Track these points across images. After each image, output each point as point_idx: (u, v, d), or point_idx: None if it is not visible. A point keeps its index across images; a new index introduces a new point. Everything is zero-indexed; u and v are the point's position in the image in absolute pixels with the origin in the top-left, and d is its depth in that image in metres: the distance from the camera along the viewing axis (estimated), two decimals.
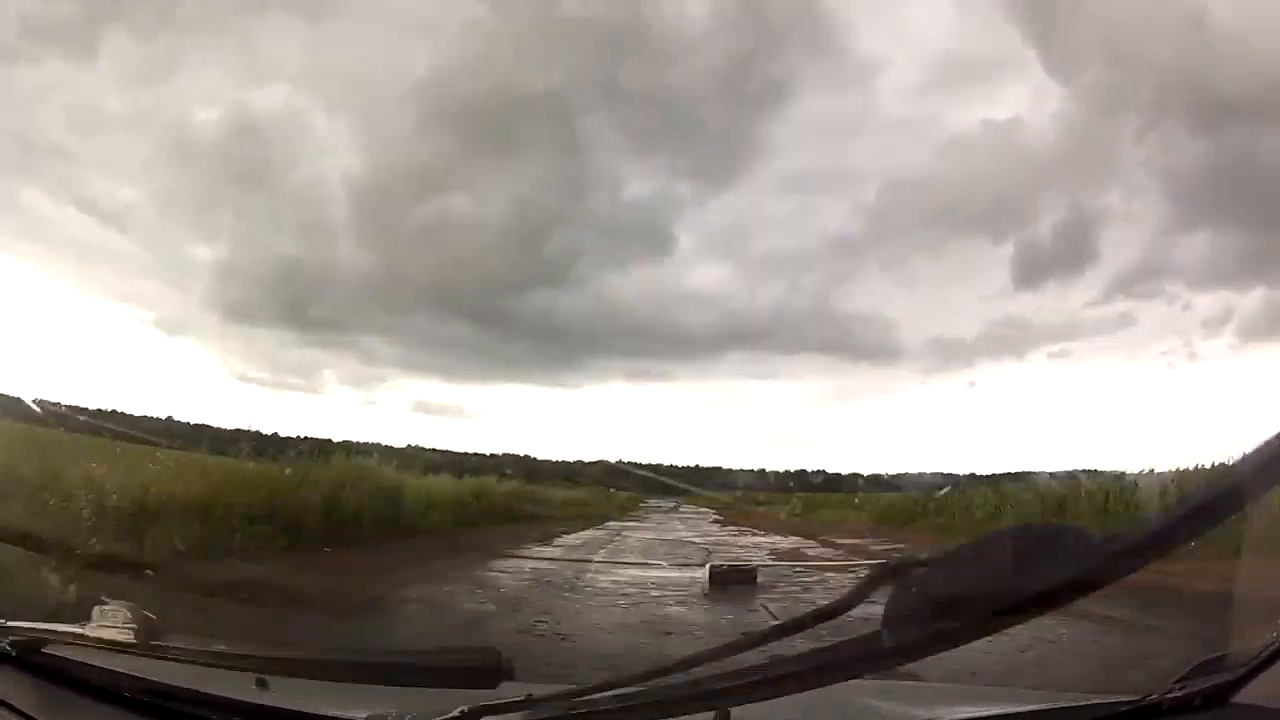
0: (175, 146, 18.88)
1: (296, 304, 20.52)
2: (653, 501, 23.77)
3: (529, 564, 11.69)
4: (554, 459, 22.66)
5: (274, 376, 23.40)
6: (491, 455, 21.07)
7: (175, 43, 18.38)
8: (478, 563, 11.36)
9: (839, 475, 21.36)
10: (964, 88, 24.54)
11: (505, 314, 22.14)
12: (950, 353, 21.44)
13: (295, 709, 1.75)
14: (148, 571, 7.34)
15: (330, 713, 1.81)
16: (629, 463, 23.73)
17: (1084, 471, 14.04)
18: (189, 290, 20.63)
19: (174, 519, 8.84)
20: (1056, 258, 19.34)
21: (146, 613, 1.84)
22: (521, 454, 22.12)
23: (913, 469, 20.10)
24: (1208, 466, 11.59)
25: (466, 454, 21.00)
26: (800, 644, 1.43)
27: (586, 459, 23.44)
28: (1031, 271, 20.73)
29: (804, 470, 22.04)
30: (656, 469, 24.03)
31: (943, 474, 18.71)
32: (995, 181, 19.49)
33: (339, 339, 22.24)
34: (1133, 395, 17.68)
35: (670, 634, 7.02)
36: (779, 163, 23.94)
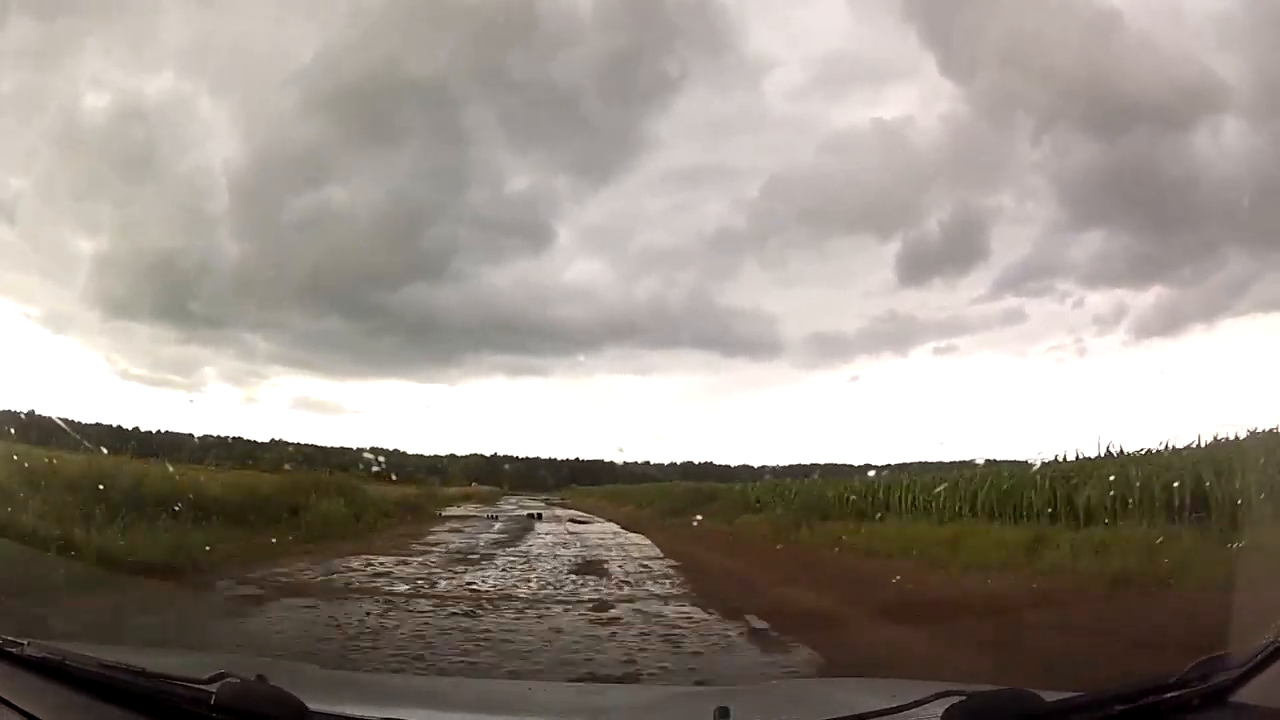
0: (60, 133, 18.27)
1: (175, 298, 19.99)
2: (512, 499, 23.71)
3: None
4: (424, 453, 22.59)
5: (154, 374, 23.09)
6: (359, 449, 20.86)
7: (62, 26, 17.88)
8: None
9: (726, 467, 21.62)
10: (856, 87, 24.49)
11: (382, 308, 21.96)
12: (831, 348, 21.63)
13: (295, 707, 1.75)
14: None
15: (330, 710, 1.81)
16: (501, 456, 23.88)
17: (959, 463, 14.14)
18: (71, 284, 20.12)
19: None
20: (944, 255, 19.46)
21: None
22: (390, 448, 21.99)
23: (793, 461, 20.47)
24: (1088, 457, 11.76)
25: (335, 449, 20.79)
26: None
27: (458, 453, 23.45)
28: (918, 268, 20.84)
29: (690, 462, 22.22)
30: (534, 463, 24.20)
31: (822, 465, 19.06)
32: (883, 180, 19.59)
33: (218, 335, 21.87)
34: (1019, 390, 17.88)
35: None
36: (662, 158, 23.99)
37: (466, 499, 22.80)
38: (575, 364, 23.76)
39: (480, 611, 7.19)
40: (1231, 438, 10.38)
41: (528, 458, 24.88)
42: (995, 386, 18.53)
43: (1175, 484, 9.16)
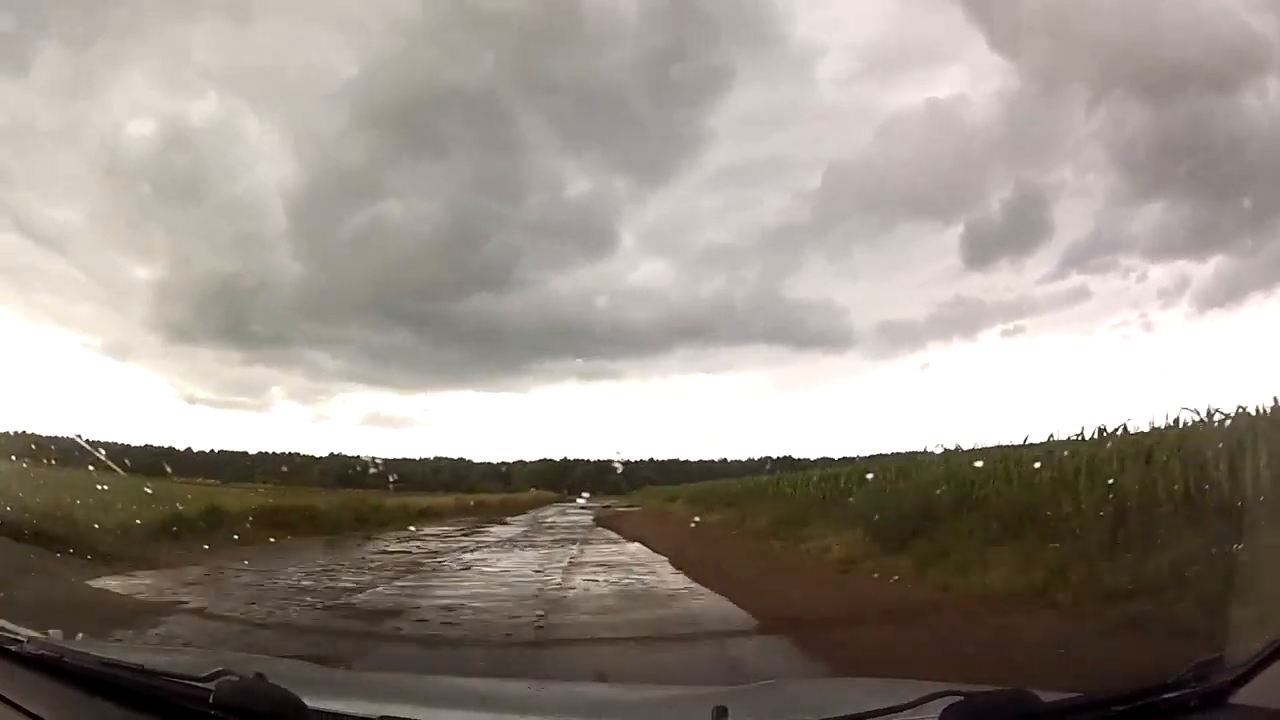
0: (109, 161, 18.49)
1: (237, 321, 20.25)
2: (559, 504, 23.57)
3: None
4: (490, 460, 22.58)
5: (221, 396, 23.26)
6: (422, 460, 20.92)
7: (105, 55, 18.04)
8: None
9: (805, 460, 21.30)
10: (905, 69, 24.30)
11: (447, 320, 22.06)
12: (901, 336, 21.37)
13: (294, 705, 1.75)
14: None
15: (329, 708, 1.81)
16: (572, 460, 23.72)
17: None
18: (130, 313, 20.30)
19: None
20: (1008, 235, 19.20)
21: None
22: (455, 456, 21.95)
23: (868, 451, 20.05)
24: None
25: (406, 460, 20.89)
26: None
27: (527, 459, 23.35)
28: (982, 250, 20.53)
29: (768, 456, 22.10)
30: (605, 465, 24.06)
31: (900, 454, 18.74)
32: (942, 162, 19.32)
33: (283, 354, 22.15)
34: (1087, 368, 17.55)
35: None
36: (718, 154, 23.86)
37: (503, 510, 21.90)
38: (647, 365, 23.71)
39: None
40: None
41: (600, 460, 25.01)
42: (1063, 366, 18.14)
43: None
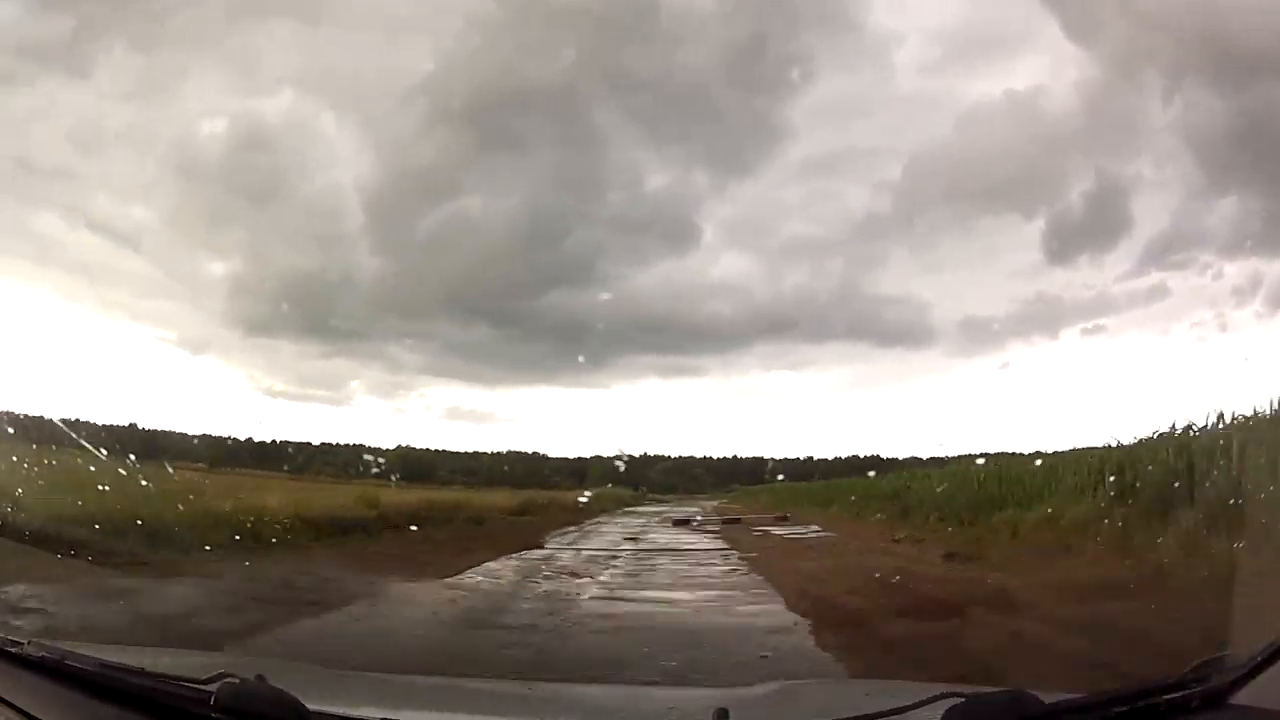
0: (183, 161, 18.44)
1: (316, 315, 20.21)
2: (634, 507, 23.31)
3: None
4: (567, 456, 22.36)
5: (299, 389, 23.18)
6: (495, 454, 20.80)
7: (174, 55, 18.00)
8: None
9: (894, 460, 20.76)
10: (983, 58, 23.83)
11: (527, 315, 21.68)
12: (982, 333, 20.95)
13: (294, 708, 1.75)
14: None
15: (330, 710, 1.81)
16: (634, 456, 23.21)
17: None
18: (208, 307, 20.40)
19: None
20: (1088, 230, 18.45)
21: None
22: (530, 451, 21.90)
23: (951, 452, 19.57)
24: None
25: (477, 454, 20.75)
26: None
27: (603, 454, 22.96)
28: (1063, 245, 19.76)
29: (855, 456, 21.43)
30: (688, 462, 23.76)
31: (978, 455, 18.40)
32: (1021, 153, 18.49)
33: (362, 348, 21.97)
34: (1165, 370, 17.28)
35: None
36: (798, 146, 23.41)
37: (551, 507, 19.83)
38: (728, 362, 23.42)
39: None
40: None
41: (681, 457, 24.11)
42: (1142, 366, 17.82)
43: None
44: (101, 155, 18.21)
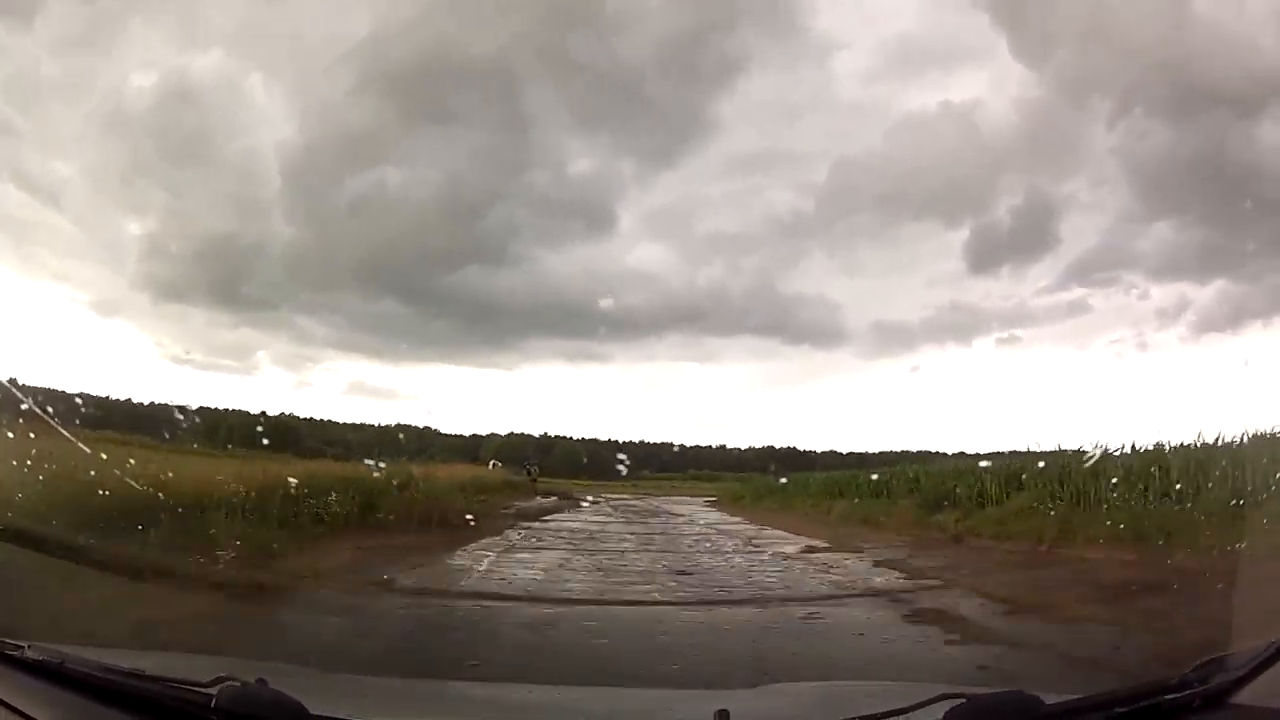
0: (110, 115, 17.74)
1: (227, 282, 19.46)
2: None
3: None
4: (460, 433, 21.63)
5: (207, 358, 22.66)
6: (383, 427, 20.02)
7: (110, 4, 17.72)
8: None
9: (811, 453, 21.31)
10: (923, 70, 23.40)
11: (439, 292, 21.09)
12: (894, 336, 21.20)
13: (295, 711, 1.75)
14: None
15: (331, 714, 1.81)
16: (554, 436, 22.72)
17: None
18: (122, 269, 19.55)
19: None
20: (1012, 243, 18.87)
21: None
22: (421, 425, 21.04)
23: (852, 449, 20.43)
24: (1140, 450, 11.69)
25: (361, 425, 20.01)
26: None
27: (500, 433, 22.41)
28: (985, 256, 20.29)
29: (770, 447, 21.86)
30: (591, 445, 22.72)
31: (881, 453, 19.28)
32: (953, 164, 18.81)
33: (270, 318, 21.22)
34: (1077, 383, 17.67)
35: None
36: (725, 142, 23.27)
37: None
38: (636, 350, 23.22)
39: None
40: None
41: (588, 440, 23.18)
42: (1055, 378, 18.17)
43: None
44: (33, 107, 17.54)
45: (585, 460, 22.60)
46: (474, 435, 22.23)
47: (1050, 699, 1.70)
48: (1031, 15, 17.24)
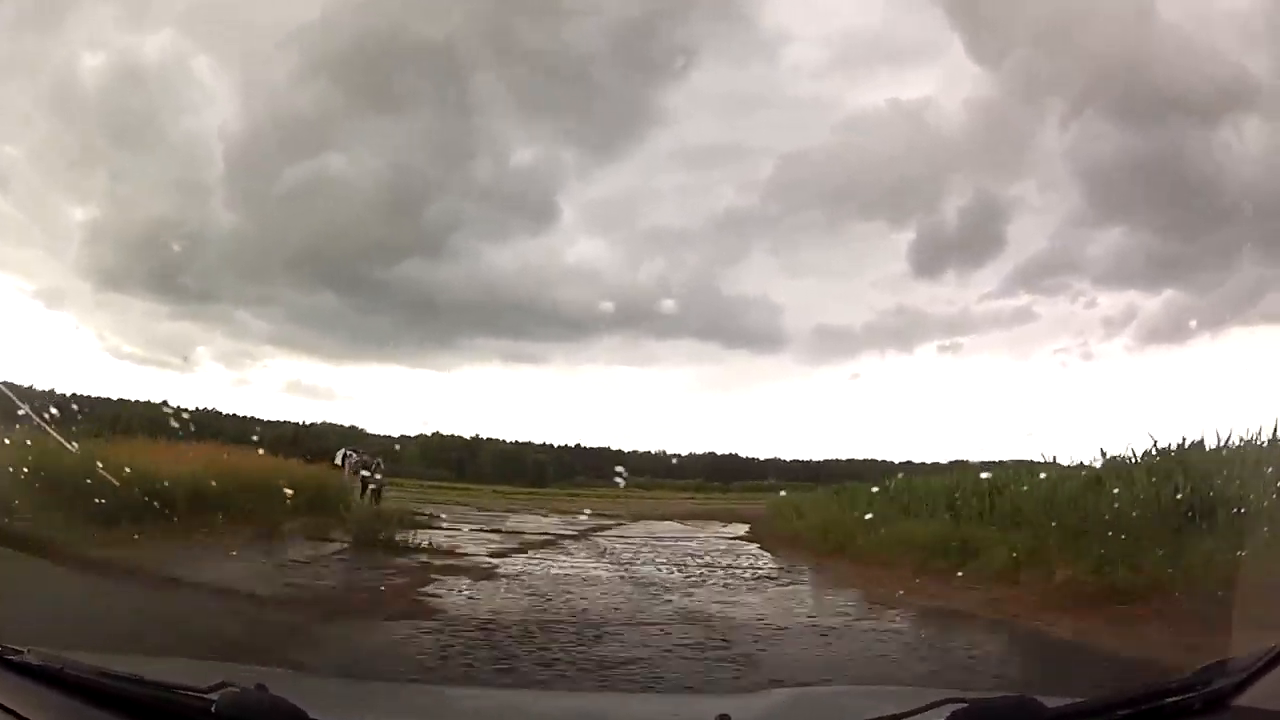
0: (58, 95, 17.84)
1: (167, 271, 19.10)
2: None
3: None
4: (389, 433, 20.96)
5: (147, 351, 22.22)
6: (309, 425, 19.61)
7: None
8: None
9: (754, 460, 20.61)
10: (874, 67, 23.06)
11: (377, 286, 20.33)
12: (835, 342, 21.08)
13: (296, 717, 1.75)
14: None
15: (330, 718, 1.81)
16: (484, 439, 21.78)
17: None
18: (64, 256, 19.31)
19: None
20: (959, 246, 18.49)
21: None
22: (347, 425, 20.67)
23: (796, 457, 19.74)
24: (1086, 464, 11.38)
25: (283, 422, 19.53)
26: None
27: (427, 432, 21.50)
28: (932, 259, 19.77)
29: (712, 453, 20.98)
30: (525, 448, 21.97)
31: (825, 461, 18.51)
32: (900, 164, 18.25)
33: (209, 311, 20.56)
34: (1020, 392, 17.73)
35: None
36: (671, 135, 22.95)
37: None
38: (574, 351, 22.85)
39: None
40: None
41: (519, 443, 21.80)
42: (998, 386, 18.19)
43: None
44: None
45: (516, 465, 21.31)
46: (402, 435, 21.57)
47: (1051, 702, 1.69)
48: (988, 14, 17.02)
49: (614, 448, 22.28)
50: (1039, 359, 18.84)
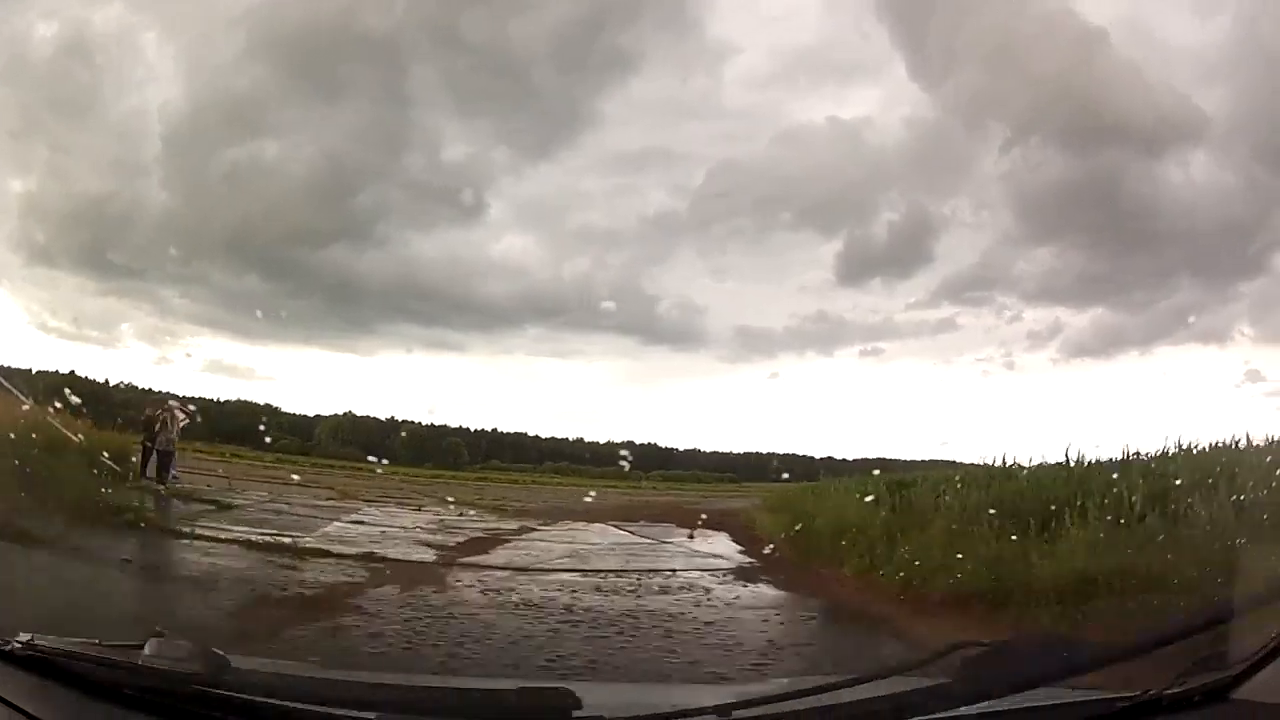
0: (4, 66, 17.17)
1: (97, 247, 18.66)
2: None
3: None
4: (304, 412, 20.12)
5: (75, 328, 22.15)
6: (224, 402, 19.31)
7: None
8: None
9: (673, 450, 21.05)
10: (815, 82, 23.11)
11: (304, 269, 20.21)
12: (755, 342, 21.42)
13: (293, 710, 1.75)
14: None
15: (324, 709, 1.80)
16: (397, 420, 21.40)
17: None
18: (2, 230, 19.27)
19: None
20: (886, 258, 18.80)
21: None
22: (261, 403, 19.51)
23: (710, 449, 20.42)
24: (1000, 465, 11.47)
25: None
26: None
27: (340, 411, 20.56)
28: (857, 269, 19.94)
29: (630, 442, 20.57)
30: (440, 430, 21.09)
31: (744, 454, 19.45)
32: (833, 177, 18.69)
33: (136, 288, 20.70)
34: (940, 399, 18.13)
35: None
36: (605, 137, 23.27)
37: None
38: (495, 341, 22.84)
39: None
40: None
41: (435, 425, 21.35)
42: (918, 392, 18.60)
43: None
44: None
45: (430, 448, 20.75)
46: (317, 415, 21.32)
47: (1051, 694, 1.70)
48: (934, 36, 17.25)
49: (531, 433, 22.47)
50: (961, 366, 19.51)
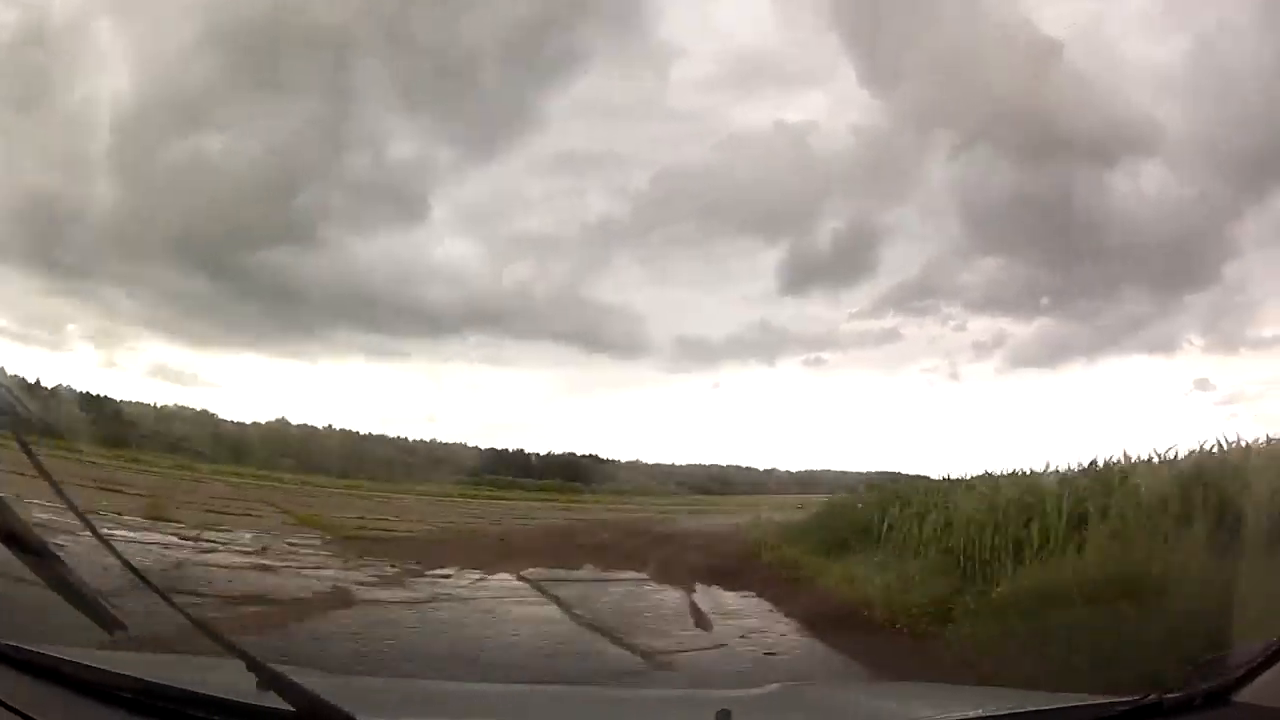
0: None
1: (45, 244, 18.53)
2: None
3: None
4: (247, 420, 20.20)
5: (21, 328, 21.67)
6: (161, 408, 18.85)
7: None
8: None
9: (614, 461, 20.38)
10: (762, 87, 22.74)
11: (246, 272, 19.67)
12: (697, 351, 21.21)
13: (292, 709, 1.74)
14: None
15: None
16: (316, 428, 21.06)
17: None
18: None
19: None
20: (830, 266, 18.73)
21: None
22: (198, 409, 18.55)
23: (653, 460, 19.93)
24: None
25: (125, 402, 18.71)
26: None
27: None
28: (801, 278, 19.94)
29: (571, 453, 20.89)
30: (376, 440, 20.70)
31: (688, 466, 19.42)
32: (777, 184, 18.56)
33: (82, 288, 19.91)
34: (884, 407, 18.21)
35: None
36: (550, 139, 22.76)
37: None
38: (437, 349, 22.54)
39: None
40: None
41: (369, 434, 20.74)
42: (861, 401, 18.46)
43: None
44: None
45: (364, 458, 20.08)
46: (254, 423, 20.84)
47: (1054, 699, 1.70)
48: (884, 44, 17.03)
49: (470, 444, 21.96)
50: (905, 377, 19.61)
